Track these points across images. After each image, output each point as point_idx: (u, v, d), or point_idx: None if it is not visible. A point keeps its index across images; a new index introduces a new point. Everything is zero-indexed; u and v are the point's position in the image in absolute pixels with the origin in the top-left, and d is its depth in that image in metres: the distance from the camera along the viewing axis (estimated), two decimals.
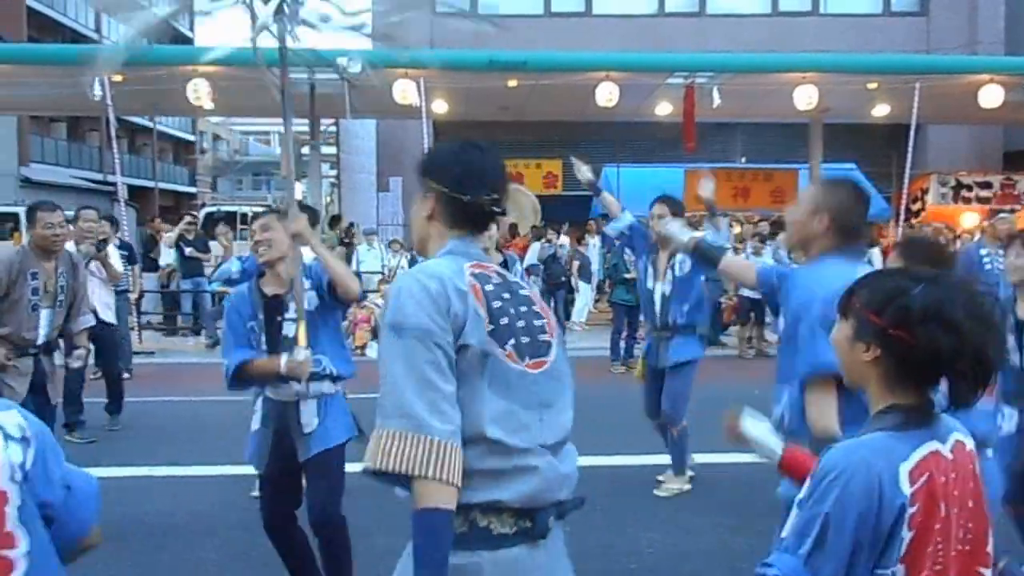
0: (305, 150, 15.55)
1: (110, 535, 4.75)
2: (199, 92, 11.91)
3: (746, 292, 10.97)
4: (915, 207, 17.14)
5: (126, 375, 8.41)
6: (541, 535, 1.83)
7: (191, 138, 43.57)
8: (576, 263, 14.17)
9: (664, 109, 14.14)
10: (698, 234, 3.86)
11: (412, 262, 11.36)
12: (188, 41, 41.67)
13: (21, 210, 13.96)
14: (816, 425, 2.52)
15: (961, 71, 12.89)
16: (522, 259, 13.48)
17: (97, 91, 11.71)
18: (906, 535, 1.46)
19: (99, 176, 30.82)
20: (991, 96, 12.58)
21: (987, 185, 17.49)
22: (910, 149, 13.11)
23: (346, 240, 15.35)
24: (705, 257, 3.55)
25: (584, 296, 14.34)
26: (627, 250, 7.68)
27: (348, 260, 13.28)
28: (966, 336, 1.47)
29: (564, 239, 15.19)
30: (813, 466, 1.57)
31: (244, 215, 19.80)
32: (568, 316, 13.98)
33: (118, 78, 11.86)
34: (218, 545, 4.68)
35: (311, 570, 3.69)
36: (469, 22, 3.00)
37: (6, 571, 1.46)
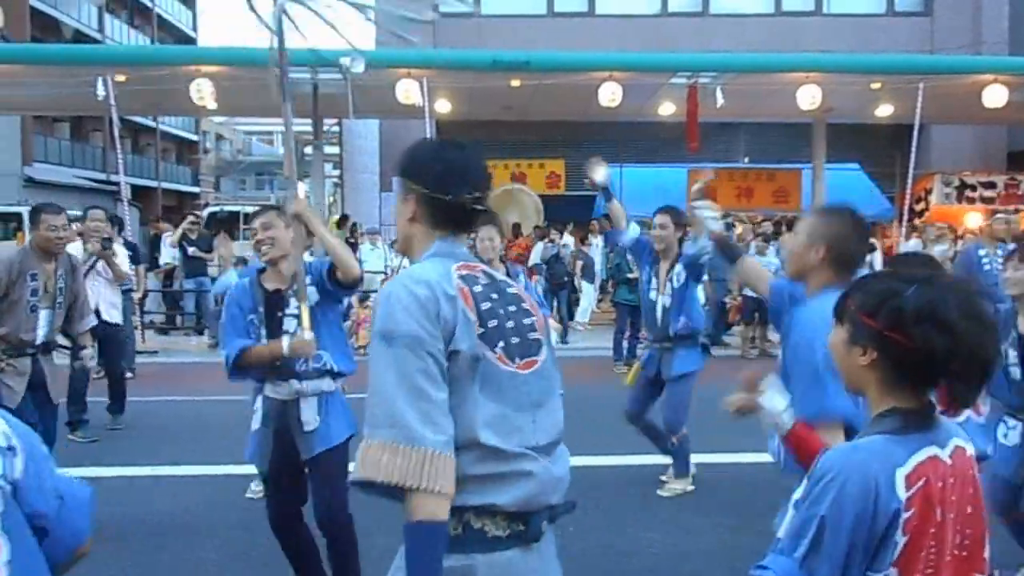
0: (308, 150, 15.56)
1: (111, 534, 4.78)
2: (202, 92, 11.92)
3: (751, 292, 10.95)
4: (919, 207, 17.12)
5: (129, 375, 8.42)
6: (535, 538, 1.82)
7: (194, 138, 43.64)
8: (579, 263, 14.17)
9: (667, 109, 14.13)
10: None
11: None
12: (191, 41, 41.83)
13: (24, 210, 14.00)
14: None
15: (965, 71, 12.86)
16: (527, 259, 13.52)
17: (100, 91, 11.73)
18: (900, 539, 1.46)
19: (102, 176, 30.86)
20: (995, 96, 12.56)
21: (991, 185, 17.47)
22: (914, 149, 13.08)
23: (351, 240, 15.36)
24: (725, 252, 3.56)
25: (587, 296, 14.34)
26: (631, 258, 7.68)
27: None
28: (961, 336, 1.47)
29: (569, 238, 15.20)
30: (816, 459, 1.56)
31: (247, 215, 19.80)
32: (572, 316, 13.98)
33: (121, 78, 11.89)
34: (218, 545, 4.68)
35: (316, 569, 3.69)
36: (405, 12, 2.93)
37: None
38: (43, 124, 28.83)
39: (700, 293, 7.43)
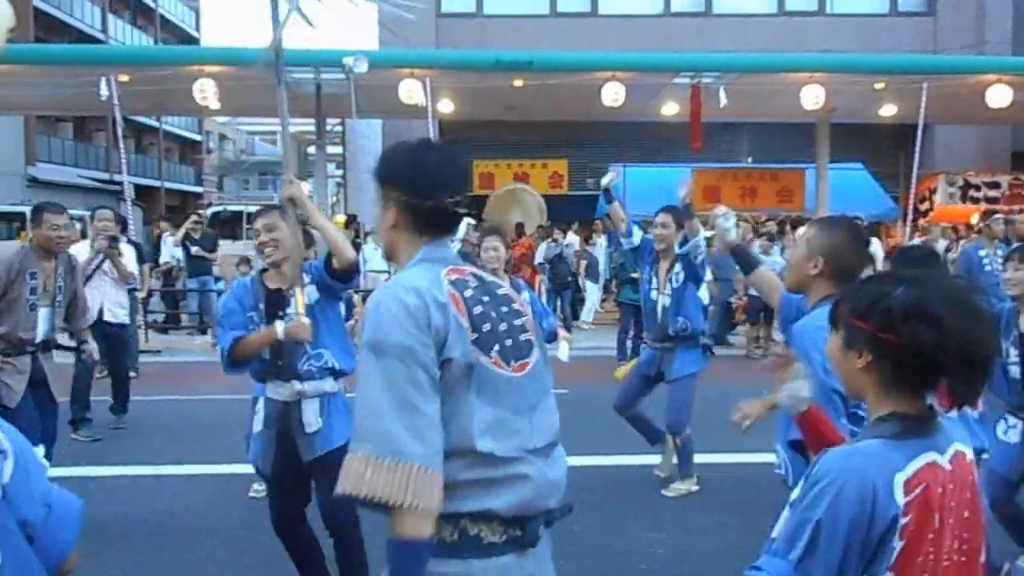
0: (311, 149, 15.56)
1: (112, 534, 4.78)
2: (205, 92, 11.94)
3: (756, 291, 10.93)
4: (923, 207, 17.10)
5: (132, 374, 8.43)
6: (531, 543, 1.79)
7: (197, 138, 43.68)
8: (584, 263, 14.17)
9: (670, 109, 14.13)
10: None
11: None
12: (195, 41, 41.88)
13: (28, 209, 14.00)
14: None
15: (969, 71, 12.85)
16: (530, 259, 13.52)
17: (104, 91, 11.75)
18: (897, 545, 1.46)
19: (105, 175, 30.89)
20: (999, 96, 12.54)
21: (995, 185, 17.45)
22: (917, 149, 13.07)
23: (357, 240, 15.38)
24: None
25: (592, 296, 14.34)
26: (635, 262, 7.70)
27: None
28: (949, 330, 1.46)
29: (573, 237, 15.19)
30: (814, 460, 1.55)
31: (250, 214, 19.81)
32: (576, 316, 13.97)
33: (124, 78, 11.92)
34: (219, 544, 4.67)
35: (320, 569, 3.68)
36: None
37: None
38: (47, 124, 28.87)
39: (704, 293, 7.43)
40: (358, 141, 22.05)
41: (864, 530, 1.44)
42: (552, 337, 5.47)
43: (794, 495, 1.54)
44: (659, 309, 5.59)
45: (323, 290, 3.59)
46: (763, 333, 11.85)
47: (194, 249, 12.98)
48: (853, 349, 1.57)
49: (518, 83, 12.63)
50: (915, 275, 1.58)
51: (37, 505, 1.51)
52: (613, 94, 12.34)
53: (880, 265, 9.14)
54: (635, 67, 12.66)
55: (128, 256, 7.84)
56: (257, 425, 3.66)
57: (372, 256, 13.81)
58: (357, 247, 14.69)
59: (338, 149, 23.03)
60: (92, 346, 5.67)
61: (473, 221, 14.51)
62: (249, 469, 4.76)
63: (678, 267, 5.49)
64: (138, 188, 26.31)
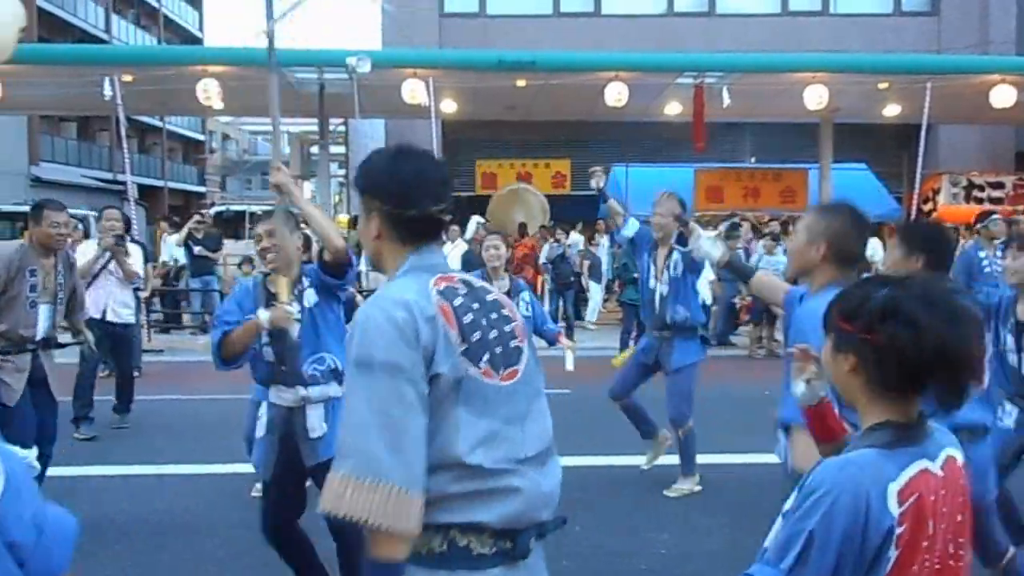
0: (314, 149, 15.57)
1: (112, 534, 4.78)
2: (209, 92, 11.95)
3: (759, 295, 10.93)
4: (927, 207, 17.07)
5: (136, 373, 8.44)
6: (522, 556, 1.76)
7: (200, 138, 43.74)
8: (587, 263, 14.17)
9: (673, 109, 14.11)
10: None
11: None
12: (198, 41, 41.93)
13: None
14: (798, 466, 2.51)
15: (972, 71, 12.82)
16: (533, 259, 13.52)
17: (107, 91, 11.77)
18: (893, 555, 1.46)
19: (109, 175, 30.94)
20: (1003, 96, 12.51)
21: (999, 185, 17.41)
22: (921, 149, 13.05)
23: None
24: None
25: (595, 296, 14.35)
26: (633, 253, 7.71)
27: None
28: (925, 331, 1.46)
29: (577, 237, 15.19)
30: (807, 474, 1.55)
31: (253, 214, 19.86)
32: (579, 316, 13.98)
33: (128, 78, 11.93)
34: (219, 544, 4.67)
35: (317, 569, 3.67)
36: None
37: None
38: (50, 124, 28.92)
39: (708, 293, 7.41)
40: (361, 141, 22.03)
41: (858, 541, 1.44)
42: (554, 341, 5.47)
43: (787, 505, 1.54)
44: (657, 298, 5.57)
45: (322, 292, 3.58)
46: (766, 333, 11.85)
47: (197, 249, 12.99)
48: (841, 352, 1.58)
49: (521, 83, 12.63)
50: (902, 278, 1.58)
51: (28, 528, 1.46)
52: (616, 94, 12.32)
53: (882, 266, 9.13)
54: (638, 67, 12.65)
55: (135, 256, 7.85)
56: (260, 431, 3.64)
57: None
58: (360, 248, 14.68)
59: (341, 149, 23.04)
60: (88, 336, 5.68)
61: (483, 220, 14.55)
62: (250, 469, 4.77)
63: (676, 256, 5.45)
64: (141, 188, 26.32)
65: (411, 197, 1.83)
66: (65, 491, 5.19)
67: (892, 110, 14.48)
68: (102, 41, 31.36)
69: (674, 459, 5.63)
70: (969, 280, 7.07)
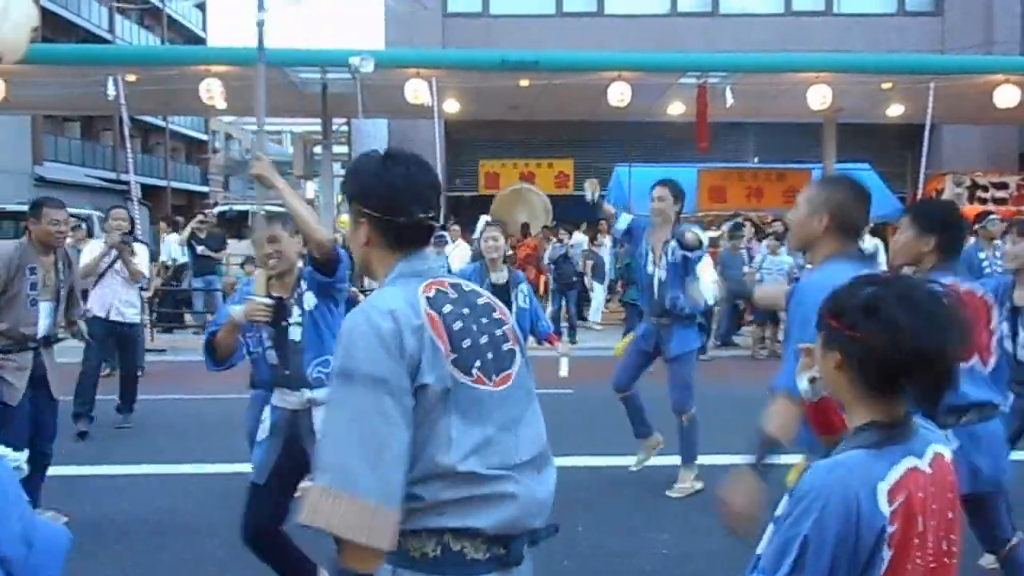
0: (317, 149, 15.57)
1: (112, 534, 4.78)
2: (212, 92, 11.97)
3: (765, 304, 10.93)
4: None
5: (139, 373, 8.45)
6: (515, 562, 1.75)
7: (204, 137, 43.80)
8: (590, 263, 14.17)
9: (676, 109, 14.11)
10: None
11: None
12: (201, 41, 41.97)
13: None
14: (767, 430, 2.59)
15: (976, 71, 12.80)
16: (536, 258, 13.52)
17: (111, 91, 11.78)
18: (886, 554, 1.46)
19: (112, 175, 31.00)
20: (1006, 96, 12.49)
21: (1003, 186, 17.35)
22: (925, 149, 13.03)
23: None
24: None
25: (598, 296, 14.35)
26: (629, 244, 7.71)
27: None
28: (903, 330, 1.46)
29: (581, 237, 15.18)
30: (800, 477, 1.55)
31: (255, 214, 19.82)
32: (581, 316, 13.98)
33: (131, 78, 11.94)
34: (219, 543, 4.67)
35: (307, 568, 3.61)
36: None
37: None
38: (54, 123, 28.96)
39: (711, 293, 7.39)
40: (364, 141, 22.05)
41: (851, 543, 1.44)
42: (544, 340, 5.48)
43: (778, 511, 1.54)
44: (655, 283, 5.57)
45: (320, 293, 3.57)
46: (769, 334, 11.84)
47: (200, 248, 13.00)
48: (829, 349, 1.58)
49: (524, 83, 12.63)
50: (889, 277, 1.59)
51: (17, 542, 1.42)
52: (619, 94, 12.32)
53: (883, 266, 9.11)
54: (641, 67, 12.64)
55: (141, 255, 7.86)
56: (262, 434, 3.61)
57: None
58: None
59: (344, 149, 23.05)
60: (82, 326, 5.72)
61: (491, 220, 14.53)
62: (250, 468, 4.77)
63: (673, 242, 5.45)
64: (144, 187, 26.36)
65: (401, 204, 1.81)
66: (65, 491, 5.20)
67: (896, 110, 14.46)
68: (106, 41, 31.41)
69: (674, 460, 5.61)
70: None
